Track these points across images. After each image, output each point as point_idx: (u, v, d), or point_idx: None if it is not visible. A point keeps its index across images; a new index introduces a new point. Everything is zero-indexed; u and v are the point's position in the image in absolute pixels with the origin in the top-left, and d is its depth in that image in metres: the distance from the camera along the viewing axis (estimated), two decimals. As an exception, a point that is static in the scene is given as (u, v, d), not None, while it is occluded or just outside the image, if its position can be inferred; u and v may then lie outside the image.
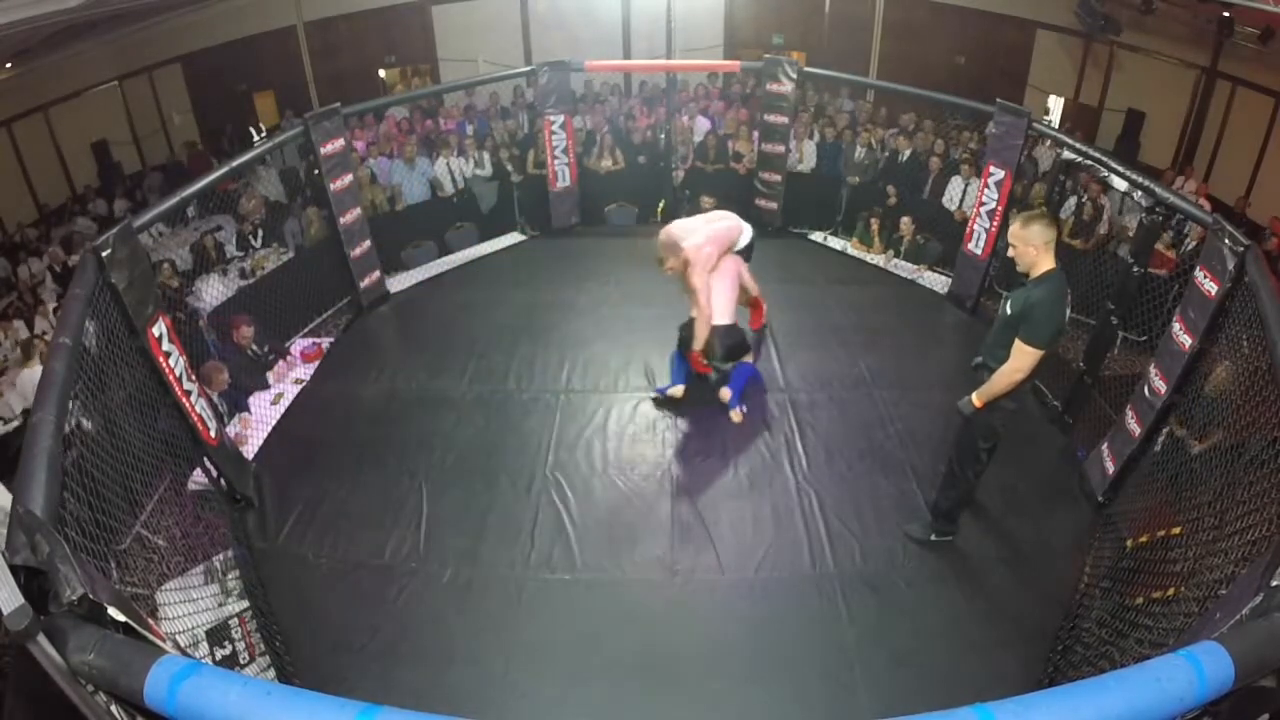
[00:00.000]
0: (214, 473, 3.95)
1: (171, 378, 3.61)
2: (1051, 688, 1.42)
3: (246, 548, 3.84)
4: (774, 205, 7.18)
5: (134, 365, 3.47)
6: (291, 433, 4.74)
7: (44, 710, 1.45)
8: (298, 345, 5.58)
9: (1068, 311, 3.14)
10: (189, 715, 1.31)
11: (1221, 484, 3.22)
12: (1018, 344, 3.08)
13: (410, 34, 11.49)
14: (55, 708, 1.41)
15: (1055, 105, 10.49)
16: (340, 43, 11.26)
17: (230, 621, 3.31)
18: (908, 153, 7.36)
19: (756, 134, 7.22)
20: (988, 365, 3.27)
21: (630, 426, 4.61)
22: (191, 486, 3.95)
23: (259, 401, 4.93)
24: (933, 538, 3.77)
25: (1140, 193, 4.27)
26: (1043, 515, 3.98)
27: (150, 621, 1.70)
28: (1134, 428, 3.84)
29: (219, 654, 3.22)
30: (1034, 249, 3.07)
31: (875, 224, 6.90)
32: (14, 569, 1.45)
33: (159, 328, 3.57)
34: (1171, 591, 3.12)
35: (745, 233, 4.90)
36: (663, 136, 7.68)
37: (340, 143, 5.44)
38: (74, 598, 1.44)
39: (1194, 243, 5.72)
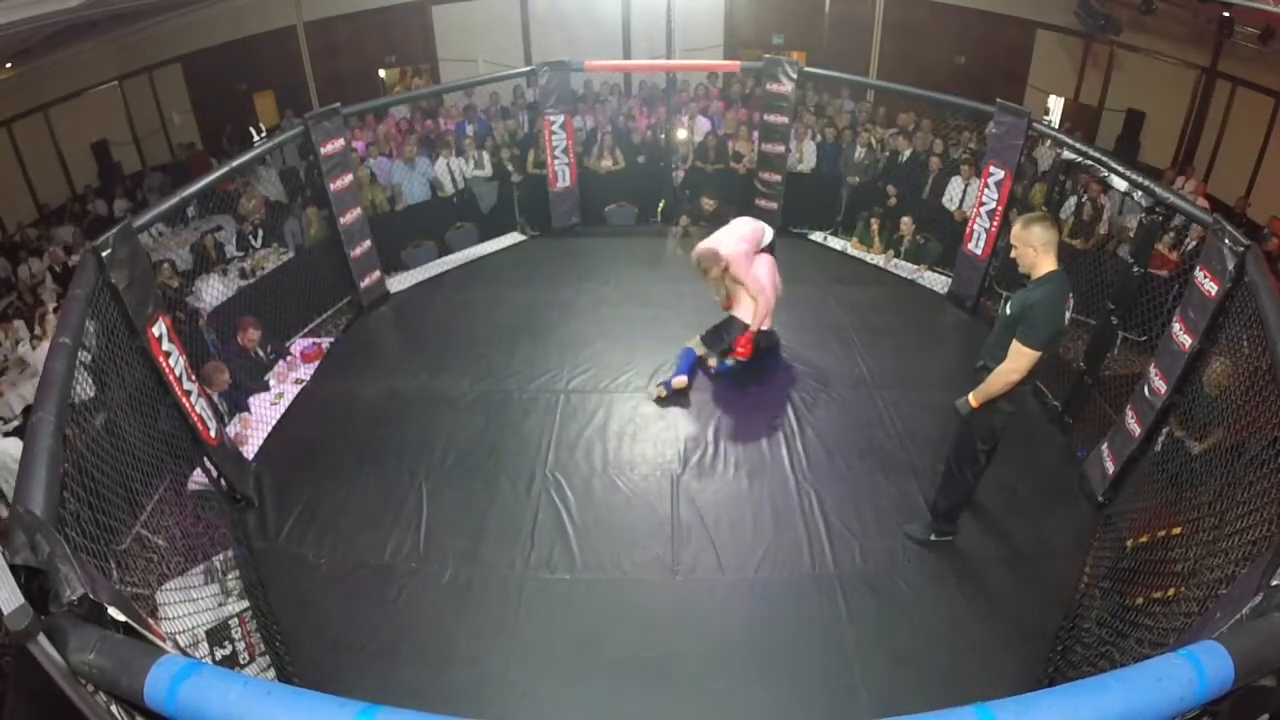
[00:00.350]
0: (214, 473, 3.95)
1: (171, 378, 3.61)
2: (1051, 688, 1.42)
3: (246, 548, 3.84)
4: (774, 205, 7.18)
5: (134, 365, 3.47)
6: (291, 433, 4.74)
7: (44, 710, 1.45)
8: (298, 345, 5.58)
9: (1068, 314, 3.14)
10: (189, 715, 1.31)
11: (1222, 484, 3.22)
12: (1015, 344, 3.08)
13: (410, 34, 11.48)
14: (55, 708, 1.40)
15: (1055, 105, 10.48)
16: (340, 43, 11.25)
17: (230, 621, 3.31)
18: (908, 153, 7.36)
19: (756, 134, 7.22)
20: (988, 366, 3.27)
21: (630, 426, 4.61)
22: (191, 486, 3.95)
23: (259, 401, 4.93)
24: (933, 538, 3.77)
25: (1140, 193, 4.27)
26: (1043, 515, 3.98)
27: (150, 621, 1.69)
28: (1134, 428, 3.84)
29: (219, 654, 3.22)
30: (1034, 250, 3.07)
31: (875, 224, 6.91)
32: (14, 569, 1.45)
33: (159, 328, 3.57)
34: (1171, 591, 3.12)
35: (768, 232, 5.07)
36: (662, 137, 7.68)
37: (340, 143, 5.44)
38: (74, 598, 1.44)
39: (1194, 243, 5.72)
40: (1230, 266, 3.25)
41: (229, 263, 6.23)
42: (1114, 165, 4.53)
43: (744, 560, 3.71)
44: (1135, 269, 4.34)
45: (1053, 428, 4.69)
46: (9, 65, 8.49)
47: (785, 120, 6.80)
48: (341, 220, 5.60)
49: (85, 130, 10.08)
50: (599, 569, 3.69)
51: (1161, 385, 3.66)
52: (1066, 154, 4.95)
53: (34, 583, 1.48)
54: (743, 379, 4.92)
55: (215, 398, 4.45)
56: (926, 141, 7.34)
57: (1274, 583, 1.64)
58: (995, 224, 5.62)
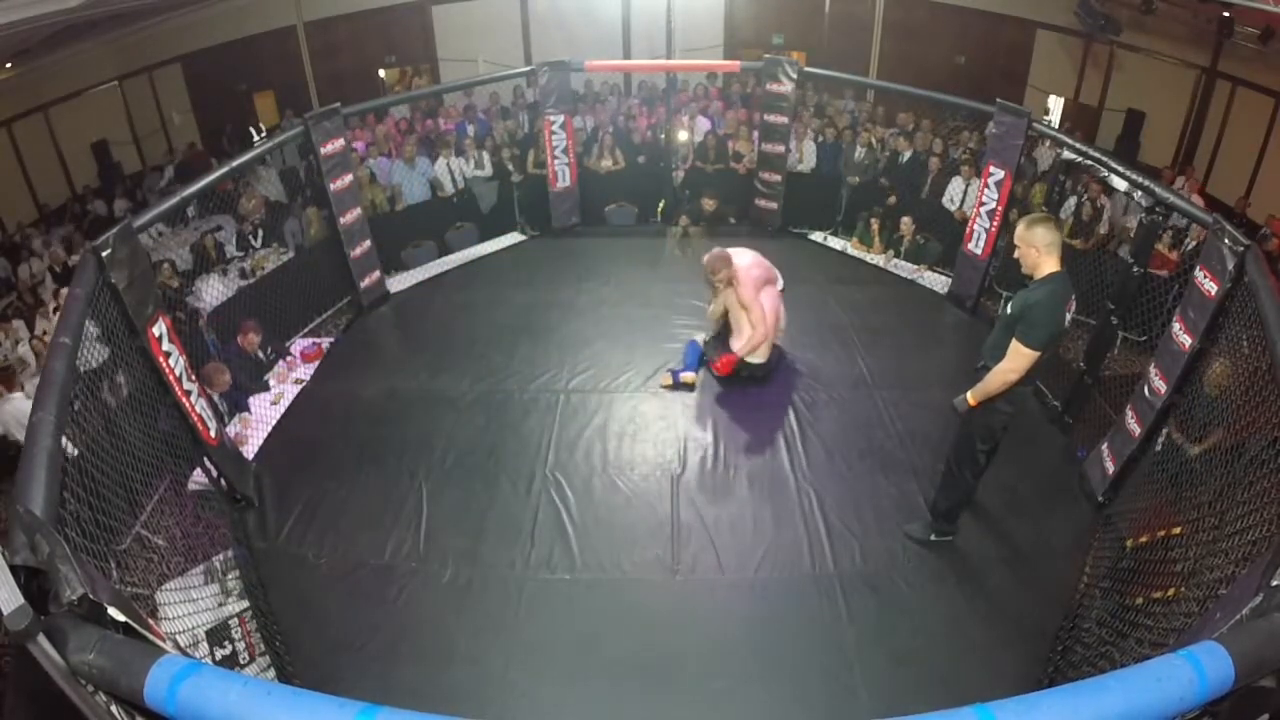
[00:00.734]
0: (214, 473, 3.95)
1: (171, 378, 3.61)
2: (1051, 688, 1.42)
3: (246, 548, 3.84)
4: (774, 205, 7.18)
5: (134, 365, 3.47)
6: (291, 433, 4.74)
7: (44, 710, 1.45)
8: (298, 345, 5.58)
9: (1068, 315, 3.14)
10: (189, 715, 1.31)
11: (1222, 484, 3.22)
12: (1013, 344, 3.09)
13: (410, 34, 11.48)
14: (55, 708, 1.40)
15: (1055, 105, 10.48)
16: (340, 43, 11.25)
17: (230, 621, 3.31)
18: (908, 153, 7.36)
19: (756, 134, 7.22)
20: (989, 366, 3.27)
21: (630, 426, 4.61)
22: (191, 486, 3.95)
23: (259, 401, 4.93)
24: (933, 538, 3.77)
25: (1140, 193, 4.27)
26: (1043, 515, 3.98)
27: (150, 621, 1.69)
28: (1134, 428, 3.84)
29: (219, 654, 3.22)
30: (1037, 250, 3.07)
31: (875, 224, 6.91)
32: (14, 569, 1.45)
33: (159, 328, 3.57)
34: (1171, 591, 3.12)
35: (780, 279, 5.06)
36: (662, 137, 7.68)
37: (340, 143, 5.44)
38: (74, 598, 1.44)
39: (1194, 243, 5.72)
40: (1230, 266, 3.25)
41: (229, 263, 6.23)
42: (1114, 165, 4.53)
43: (744, 560, 3.71)
44: (1135, 269, 4.34)
45: (1053, 428, 4.69)
46: (9, 65, 8.49)
47: (785, 120, 6.80)
48: (341, 220, 5.60)
49: (85, 130, 10.07)
50: (599, 569, 3.69)
51: (1161, 385, 3.66)
52: (1066, 154, 4.95)
53: (34, 583, 1.48)
54: (743, 380, 4.91)
55: (216, 398, 4.45)
56: (926, 141, 7.34)
57: (1274, 583, 1.64)
58: (995, 224, 5.62)
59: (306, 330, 5.90)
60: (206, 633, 3.23)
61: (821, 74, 7.48)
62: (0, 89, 8.70)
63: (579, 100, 8.14)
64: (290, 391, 5.09)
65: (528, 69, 6.84)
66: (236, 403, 4.82)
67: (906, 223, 6.74)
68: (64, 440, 2.25)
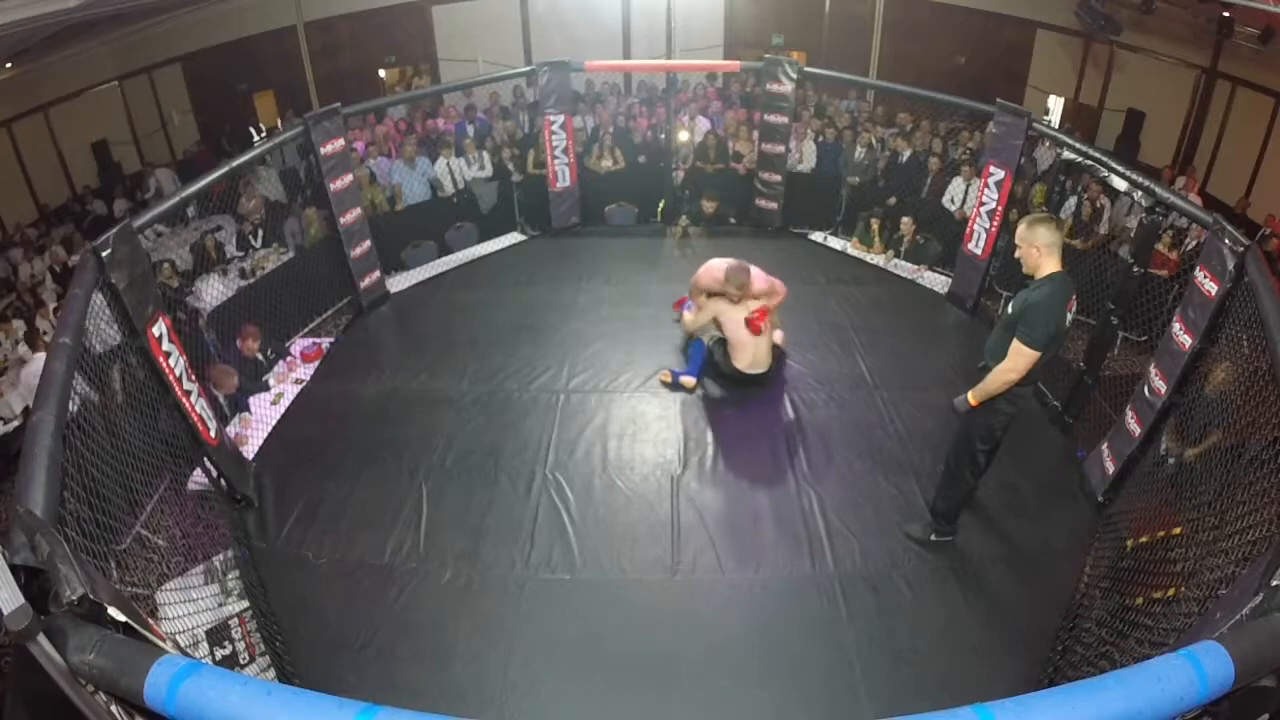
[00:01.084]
0: (214, 473, 3.95)
1: (171, 378, 3.61)
2: (1051, 688, 1.42)
3: (246, 548, 3.84)
4: (774, 205, 7.18)
5: (134, 365, 3.47)
6: (291, 433, 4.73)
7: (44, 710, 1.45)
8: (298, 345, 5.58)
9: (1069, 315, 3.13)
10: (189, 715, 1.31)
11: (1222, 484, 3.22)
12: (1014, 344, 3.08)
13: (410, 34, 11.48)
14: (55, 708, 1.40)
15: (1055, 105, 10.46)
16: (340, 43, 11.25)
17: (230, 621, 3.31)
18: (908, 153, 7.35)
19: (756, 134, 7.22)
20: (990, 366, 3.27)
21: (630, 426, 4.61)
22: (191, 486, 3.95)
23: (259, 401, 4.93)
24: (932, 538, 3.77)
25: (1140, 193, 4.27)
26: (1043, 515, 3.98)
27: (150, 621, 1.69)
28: (1134, 428, 3.84)
29: (219, 654, 3.22)
30: (1038, 250, 3.07)
31: (875, 224, 6.91)
32: (14, 569, 1.45)
33: (159, 328, 3.57)
34: (1171, 591, 3.12)
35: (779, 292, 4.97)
36: (662, 137, 7.68)
37: (340, 143, 5.44)
38: (74, 598, 1.44)
39: (1194, 242, 5.72)
40: (1230, 266, 3.24)
41: (229, 263, 6.23)
42: (1114, 165, 4.53)
43: (744, 560, 3.71)
44: (1135, 269, 4.34)
45: (1053, 428, 4.69)
46: (9, 65, 8.49)
47: (785, 120, 6.80)
48: (341, 220, 5.60)
49: (85, 130, 10.07)
50: (599, 569, 3.69)
51: (1161, 385, 3.66)
52: (1066, 154, 4.95)
53: (34, 583, 1.48)
54: (742, 380, 4.91)
55: (221, 398, 4.45)
56: (926, 141, 7.34)
57: (1274, 583, 1.65)
58: (995, 224, 5.62)
59: (306, 330, 5.90)
60: (206, 633, 3.23)
61: (821, 74, 7.48)
62: (0, 89, 8.69)
63: (579, 100, 8.14)
64: (290, 391, 5.09)
65: (528, 69, 6.85)
66: (236, 403, 4.82)
67: (907, 223, 6.74)
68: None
